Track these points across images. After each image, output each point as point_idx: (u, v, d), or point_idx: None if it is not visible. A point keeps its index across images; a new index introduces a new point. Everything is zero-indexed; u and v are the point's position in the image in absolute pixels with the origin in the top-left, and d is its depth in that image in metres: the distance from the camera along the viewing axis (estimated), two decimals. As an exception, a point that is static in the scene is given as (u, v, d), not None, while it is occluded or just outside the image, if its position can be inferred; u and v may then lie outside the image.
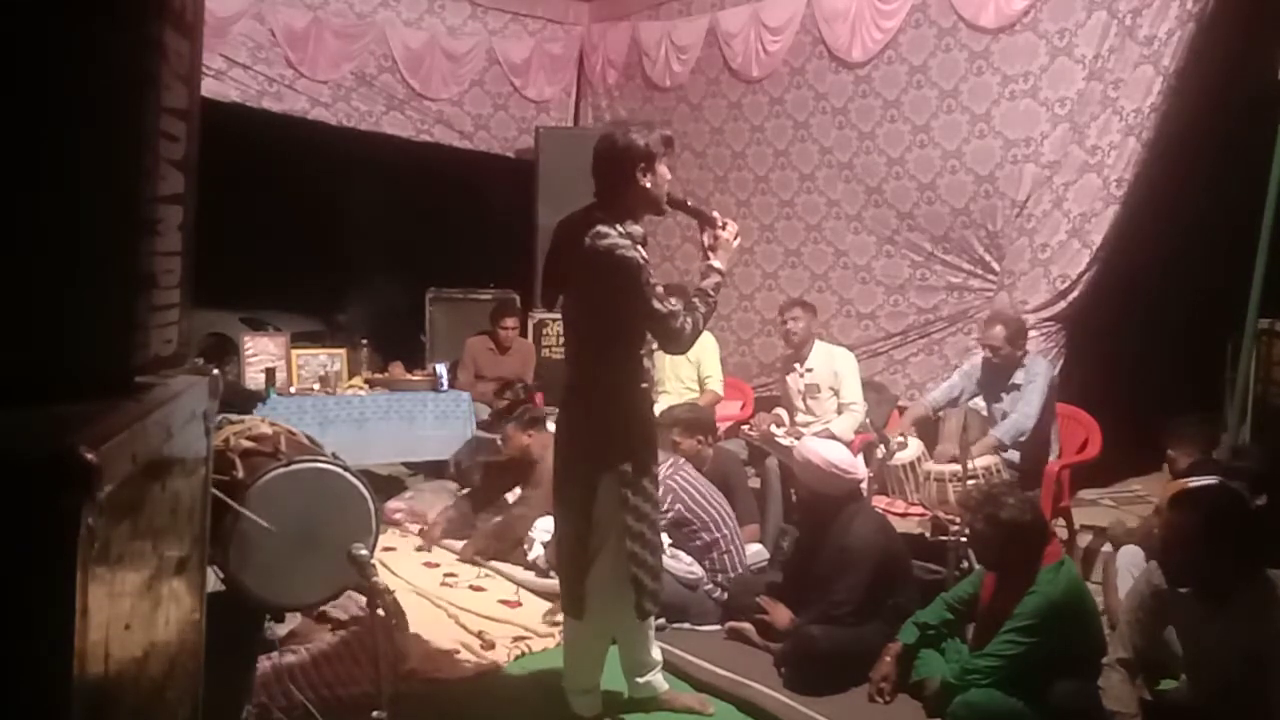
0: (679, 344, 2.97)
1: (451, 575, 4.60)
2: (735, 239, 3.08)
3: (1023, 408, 4.57)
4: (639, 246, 2.92)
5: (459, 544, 4.87)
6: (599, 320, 2.98)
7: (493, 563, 4.68)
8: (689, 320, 2.93)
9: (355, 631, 3.58)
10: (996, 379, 4.76)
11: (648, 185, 2.94)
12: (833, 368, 5.19)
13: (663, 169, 2.97)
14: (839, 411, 5.17)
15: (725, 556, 4.14)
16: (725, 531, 4.18)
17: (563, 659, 3.30)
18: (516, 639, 3.84)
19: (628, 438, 2.98)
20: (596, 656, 3.21)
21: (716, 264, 3.04)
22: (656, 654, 3.31)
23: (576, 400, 3.09)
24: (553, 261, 3.13)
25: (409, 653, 3.55)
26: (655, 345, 3.07)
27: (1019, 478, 4.49)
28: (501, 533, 4.77)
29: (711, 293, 3.01)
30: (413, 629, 3.74)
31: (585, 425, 3.04)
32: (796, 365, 5.30)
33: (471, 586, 4.46)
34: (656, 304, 2.89)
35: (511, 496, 5.18)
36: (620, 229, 2.90)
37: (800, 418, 5.25)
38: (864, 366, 5.62)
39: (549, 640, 3.81)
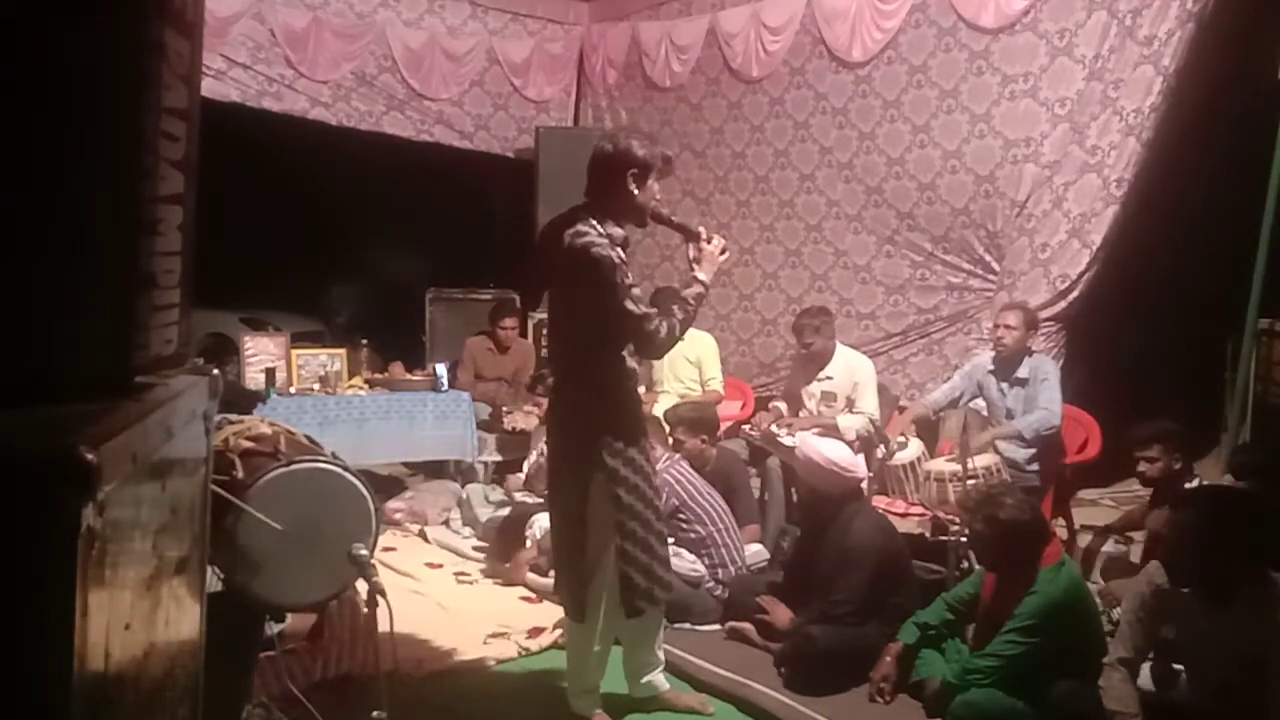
0: (652, 347, 3.00)
1: (464, 574, 4.63)
2: (722, 254, 3.12)
3: (1046, 404, 4.59)
4: (617, 248, 2.95)
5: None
6: (578, 318, 3.01)
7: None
8: (664, 325, 2.94)
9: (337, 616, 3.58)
10: (1002, 370, 4.78)
11: (635, 193, 2.98)
12: (853, 378, 5.06)
13: (653, 184, 3.02)
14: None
15: (722, 551, 4.16)
16: (720, 527, 4.20)
17: (565, 659, 3.31)
18: (532, 631, 3.85)
19: (614, 436, 2.99)
20: (598, 658, 3.20)
21: (700, 275, 3.09)
22: (659, 654, 3.32)
23: (561, 400, 3.13)
24: (538, 260, 3.17)
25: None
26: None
27: (1037, 478, 4.50)
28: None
29: (692, 301, 3.04)
30: (414, 628, 3.74)
31: (571, 425, 3.06)
32: (818, 374, 5.16)
33: (498, 582, 4.50)
34: (629, 304, 2.91)
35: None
36: (600, 229, 2.94)
37: (807, 418, 5.19)
38: (865, 367, 5.60)
39: (547, 640, 3.81)
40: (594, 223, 2.94)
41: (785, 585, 3.88)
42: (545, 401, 5.13)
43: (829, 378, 5.11)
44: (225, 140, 3.29)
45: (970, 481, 4.04)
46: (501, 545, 4.75)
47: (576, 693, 3.20)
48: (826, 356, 5.12)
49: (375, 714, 2.36)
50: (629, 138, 3.02)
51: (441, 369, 5.95)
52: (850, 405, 5.05)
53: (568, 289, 3.02)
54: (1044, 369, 4.72)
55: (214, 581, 2.24)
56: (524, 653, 3.75)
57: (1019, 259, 5.54)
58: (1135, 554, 4.28)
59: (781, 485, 4.81)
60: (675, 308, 3.00)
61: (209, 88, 5.47)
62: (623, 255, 2.96)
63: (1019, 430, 4.59)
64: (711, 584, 4.11)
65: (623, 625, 3.17)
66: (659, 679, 3.32)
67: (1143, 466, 3.95)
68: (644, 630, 3.21)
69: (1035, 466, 4.62)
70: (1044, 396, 4.62)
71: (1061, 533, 4.55)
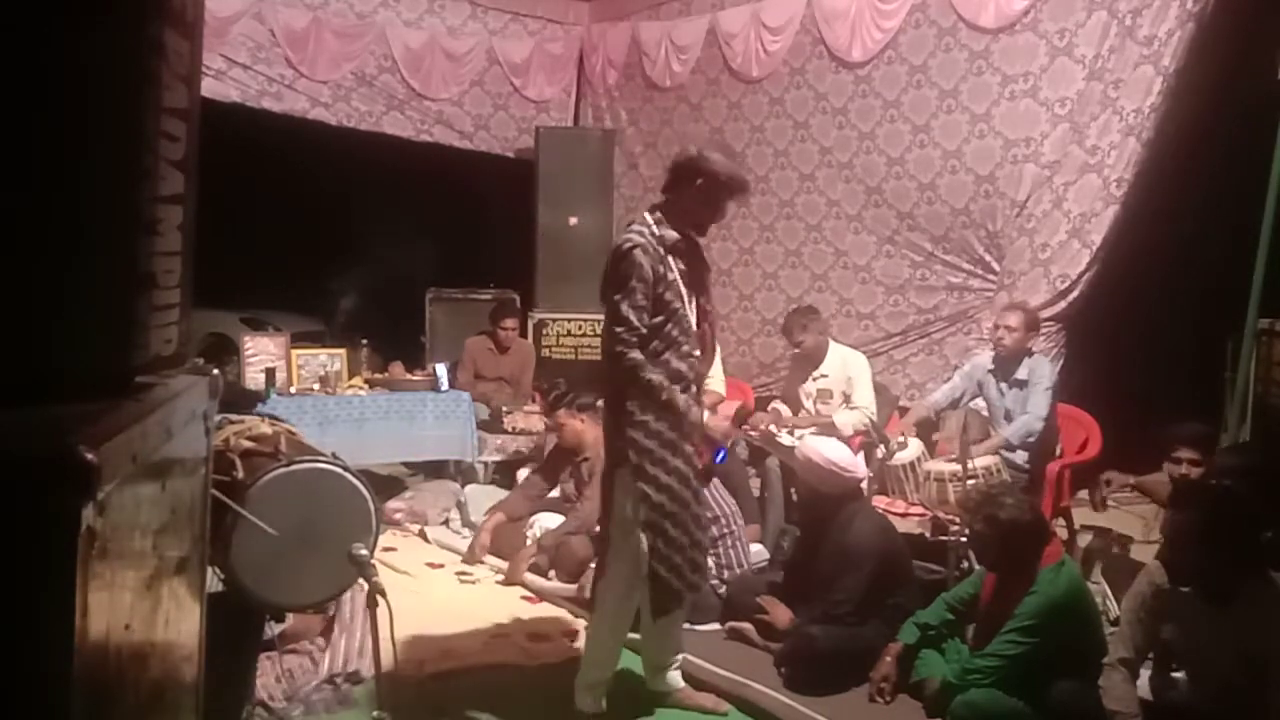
0: (610, 356, 2.96)
1: (465, 574, 4.63)
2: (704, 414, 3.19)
3: (1032, 408, 4.61)
4: (659, 247, 2.95)
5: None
6: (611, 316, 3.01)
7: (491, 558, 4.71)
8: (634, 356, 2.91)
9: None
10: (1002, 370, 4.78)
11: (708, 208, 3.07)
12: (846, 373, 5.12)
13: (727, 204, 3.14)
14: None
15: (732, 551, 4.22)
16: (733, 527, 4.27)
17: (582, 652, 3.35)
18: (532, 636, 3.85)
19: (644, 434, 2.98)
20: (609, 652, 3.23)
21: (691, 405, 3.03)
22: (679, 653, 3.35)
23: (604, 398, 3.18)
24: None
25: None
26: (696, 350, 3.07)
27: (1027, 479, 4.51)
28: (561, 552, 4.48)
29: (666, 386, 2.94)
30: (414, 628, 3.74)
31: (608, 424, 3.11)
32: (813, 373, 5.21)
33: (499, 582, 4.50)
34: (625, 306, 2.90)
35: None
36: (653, 229, 2.96)
37: (805, 417, 5.21)
38: (865, 366, 5.60)
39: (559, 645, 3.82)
40: (650, 222, 2.98)
41: (785, 585, 3.88)
42: (550, 403, 5.13)
43: (824, 375, 5.16)
44: (225, 140, 3.29)
45: (970, 481, 4.04)
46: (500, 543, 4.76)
47: (581, 686, 3.22)
48: (820, 354, 5.17)
49: (375, 714, 2.35)
50: (726, 157, 3.11)
51: (441, 369, 5.95)
52: (846, 400, 5.09)
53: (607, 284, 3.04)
54: (1040, 371, 4.72)
55: (214, 581, 2.24)
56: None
57: (1019, 259, 5.54)
58: (1135, 553, 4.28)
59: (781, 485, 4.82)
60: (655, 373, 2.94)
61: (209, 88, 5.47)
62: (664, 256, 2.96)
63: (1006, 439, 4.62)
64: (715, 581, 4.11)
65: (644, 621, 3.19)
66: (675, 676, 3.34)
67: (1185, 468, 3.85)
68: (665, 627, 3.23)
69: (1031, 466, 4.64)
70: (1031, 401, 4.64)
71: (1062, 533, 4.55)
